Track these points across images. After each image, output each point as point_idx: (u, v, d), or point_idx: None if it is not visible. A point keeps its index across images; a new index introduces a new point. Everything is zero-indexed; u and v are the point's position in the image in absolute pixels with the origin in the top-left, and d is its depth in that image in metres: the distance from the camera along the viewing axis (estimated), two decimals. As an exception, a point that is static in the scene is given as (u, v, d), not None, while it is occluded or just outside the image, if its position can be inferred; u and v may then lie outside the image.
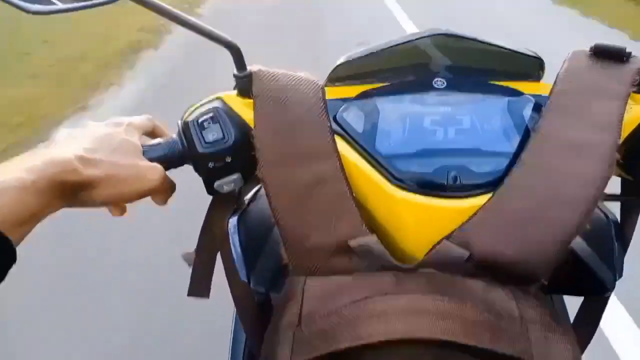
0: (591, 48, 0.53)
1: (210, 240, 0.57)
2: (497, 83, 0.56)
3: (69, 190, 0.42)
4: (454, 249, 0.44)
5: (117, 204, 0.49)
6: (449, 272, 0.45)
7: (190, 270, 0.59)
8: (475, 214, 0.46)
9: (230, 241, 0.56)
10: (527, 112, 0.52)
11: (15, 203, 0.38)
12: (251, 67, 0.53)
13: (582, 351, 0.57)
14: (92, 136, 0.47)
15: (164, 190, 0.50)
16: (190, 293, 0.58)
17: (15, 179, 0.38)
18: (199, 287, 0.58)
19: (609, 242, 0.55)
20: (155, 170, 0.48)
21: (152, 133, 0.54)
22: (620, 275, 0.55)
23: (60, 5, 0.50)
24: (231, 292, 0.57)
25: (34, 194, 0.39)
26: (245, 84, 0.52)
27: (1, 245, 0.35)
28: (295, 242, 0.46)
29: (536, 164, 0.47)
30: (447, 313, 0.41)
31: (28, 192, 0.39)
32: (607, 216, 0.56)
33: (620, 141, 0.46)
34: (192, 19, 0.50)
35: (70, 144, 0.45)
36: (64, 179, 0.41)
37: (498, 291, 0.44)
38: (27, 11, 0.49)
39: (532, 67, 0.58)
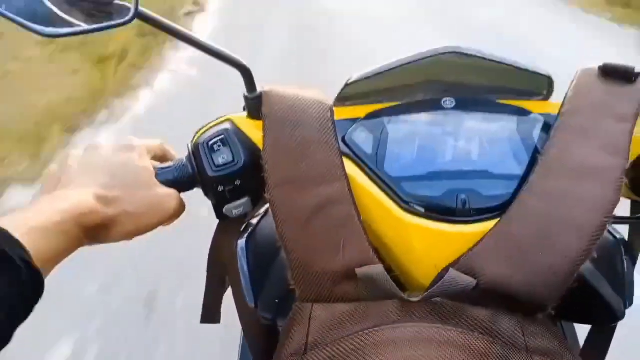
0: (600, 67, 0.53)
1: (218, 266, 0.57)
2: (505, 102, 0.56)
3: (91, 231, 0.44)
4: (460, 278, 0.44)
5: (136, 236, 0.49)
6: (455, 300, 0.45)
7: None
8: (481, 240, 0.46)
9: (238, 264, 0.56)
10: (536, 132, 0.52)
11: (41, 243, 0.39)
12: (261, 87, 0.53)
13: None
14: (106, 167, 0.47)
15: (178, 215, 0.50)
16: (203, 320, 0.58)
17: (41, 221, 0.40)
18: (211, 313, 0.58)
19: (618, 264, 0.54)
20: (171, 198, 0.49)
21: (162, 158, 0.54)
22: (631, 303, 0.54)
23: (74, 28, 0.51)
24: (239, 317, 0.57)
25: (58, 236, 0.41)
26: (255, 105, 0.52)
27: (33, 279, 0.37)
28: (302, 267, 0.46)
29: (544, 188, 0.46)
30: (455, 343, 0.41)
31: (53, 234, 0.40)
32: (615, 237, 0.56)
33: (629, 165, 0.46)
34: (203, 40, 0.50)
35: (86, 179, 0.46)
36: (86, 222, 0.43)
37: (504, 320, 0.44)
38: (41, 34, 0.50)
39: (541, 84, 0.58)
